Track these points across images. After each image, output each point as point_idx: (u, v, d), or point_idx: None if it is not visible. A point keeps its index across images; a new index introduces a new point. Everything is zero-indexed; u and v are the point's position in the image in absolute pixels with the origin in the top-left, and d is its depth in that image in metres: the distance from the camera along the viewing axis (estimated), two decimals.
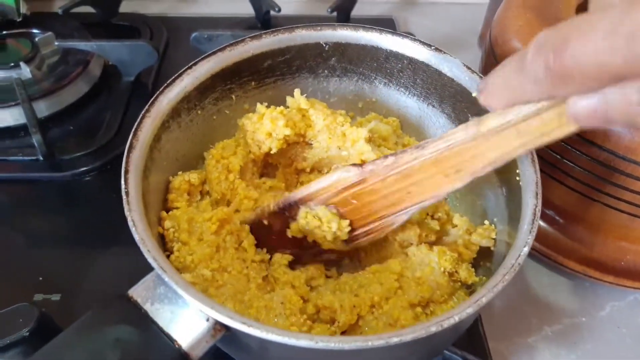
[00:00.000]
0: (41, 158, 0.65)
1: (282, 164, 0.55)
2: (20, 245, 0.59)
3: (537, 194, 0.40)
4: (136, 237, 0.37)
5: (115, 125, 0.70)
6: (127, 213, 0.38)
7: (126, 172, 0.40)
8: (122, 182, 0.39)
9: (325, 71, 0.57)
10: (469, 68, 0.49)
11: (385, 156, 0.43)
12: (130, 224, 0.37)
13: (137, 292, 0.37)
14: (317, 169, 0.55)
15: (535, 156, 0.43)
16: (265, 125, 0.50)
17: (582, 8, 0.56)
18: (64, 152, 0.66)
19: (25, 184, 0.65)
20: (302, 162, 0.54)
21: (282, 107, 0.51)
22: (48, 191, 0.65)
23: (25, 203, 0.64)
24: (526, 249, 0.38)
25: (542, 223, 0.57)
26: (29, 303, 0.46)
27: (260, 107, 0.51)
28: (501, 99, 0.30)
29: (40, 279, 0.55)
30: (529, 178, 0.42)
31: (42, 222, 0.62)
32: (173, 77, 0.47)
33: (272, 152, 0.51)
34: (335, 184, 0.44)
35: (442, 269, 0.44)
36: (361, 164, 0.45)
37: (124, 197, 0.38)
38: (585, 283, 0.58)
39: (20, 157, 0.66)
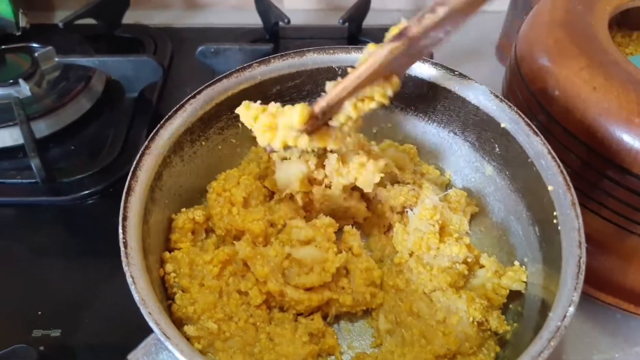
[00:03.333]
0: (40, 182, 0.62)
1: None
2: (18, 276, 0.56)
3: (580, 243, 0.37)
4: (136, 296, 0.34)
5: (119, 145, 0.67)
6: (125, 268, 0.35)
7: (124, 219, 0.37)
8: (120, 230, 0.36)
9: None
10: (497, 96, 0.46)
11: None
12: (129, 281, 0.34)
13: (136, 358, 0.34)
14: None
15: (575, 199, 0.40)
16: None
17: (614, 21, 0.53)
18: (64, 174, 0.64)
19: (24, 208, 0.63)
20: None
21: None
22: (48, 216, 0.62)
23: (23, 229, 0.61)
24: (572, 309, 0.35)
25: None
26: (28, 340, 0.46)
27: None
28: None
29: (40, 313, 0.52)
30: (570, 224, 0.39)
31: (41, 250, 0.59)
32: (174, 109, 0.44)
33: None
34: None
35: (470, 319, 0.41)
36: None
37: (122, 247, 0.36)
38: (617, 315, 0.55)
39: (19, 180, 0.63)
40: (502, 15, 0.82)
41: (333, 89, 0.40)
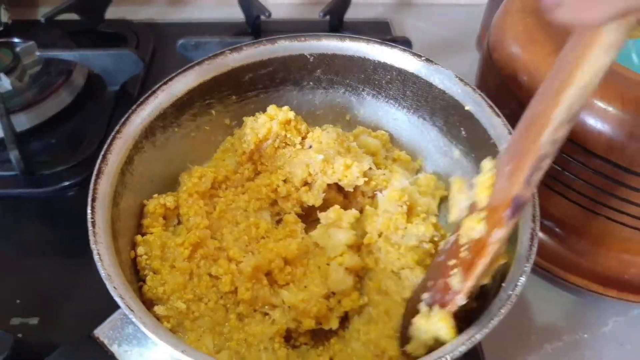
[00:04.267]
0: (19, 174, 0.62)
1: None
2: None
3: (534, 217, 0.38)
4: (102, 272, 0.34)
5: (99, 138, 0.67)
6: (92, 245, 0.36)
7: (93, 200, 0.38)
8: (89, 211, 0.37)
9: (311, 83, 0.55)
10: (461, 80, 0.47)
11: None
12: (95, 257, 0.35)
13: (103, 333, 0.35)
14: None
15: None
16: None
17: None
18: (45, 167, 0.64)
19: (4, 200, 0.63)
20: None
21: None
22: (29, 207, 0.62)
23: (4, 220, 0.62)
24: (523, 279, 0.36)
25: (542, 235, 0.56)
26: (7, 327, 0.46)
27: (272, 108, 0.50)
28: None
29: (18, 301, 0.53)
30: None
31: (20, 240, 0.60)
32: (146, 95, 0.45)
33: (267, 140, 0.49)
34: None
35: None
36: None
37: (90, 227, 0.36)
38: (586, 298, 0.56)
39: None
40: (482, 7, 0.83)
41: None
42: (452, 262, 0.36)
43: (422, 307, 0.38)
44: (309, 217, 0.51)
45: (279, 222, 0.50)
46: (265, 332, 0.40)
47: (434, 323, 0.36)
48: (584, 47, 0.27)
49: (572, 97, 0.28)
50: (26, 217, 0.62)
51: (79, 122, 0.71)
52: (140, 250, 0.43)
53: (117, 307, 0.36)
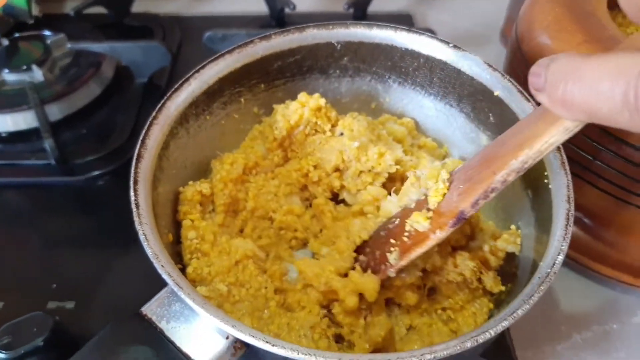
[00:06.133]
0: (53, 162, 0.64)
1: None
2: (34, 251, 0.59)
3: (569, 197, 0.38)
4: (149, 251, 0.35)
5: (128, 128, 0.69)
6: (137, 226, 0.36)
7: (135, 182, 0.39)
8: (132, 193, 0.38)
9: (337, 71, 0.55)
10: (490, 66, 0.47)
11: None
12: (141, 237, 0.36)
13: (151, 310, 0.35)
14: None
15: (565, 158, 0.41)
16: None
17: (610, 3, 0.54)
18: (76, 156, 0.66)
19: (37, 189, 0.64)
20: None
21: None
22: (61, 195, 0.64)
23: (38, 208, 0.63)
24: (561, 257, 0.36)
25: None
26: (43, 311, 0.46)
27: (303, 95, 0.51)
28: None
29: (54, 285, 0.54)
30: (560, 181, 0.40)
31: (55, 227, 0.61)
32: (180, 82, 0.46)
33: (298, 126, 0.51)
34: None
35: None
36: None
37: (134, 209, 0.37)
38: (616, 288, 0.56)
39: (33, 162, 0.65)
40: (506, 1, 0.83)
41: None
42: (393, 241, 0.43)
43: (357, 266, 0.45)
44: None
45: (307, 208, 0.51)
46: (307, 319, 0.41)
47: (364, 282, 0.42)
48: (549, 123, 0.33)
49: (528, 157, 0.34)
50: (59, 205, 0.63)
51: (108, 113, 0.73)
52: (192, 234, 0.44)
53: (149, 297, 0.37)
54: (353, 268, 0.44)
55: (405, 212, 0.44)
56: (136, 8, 0.86)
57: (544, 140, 0.33)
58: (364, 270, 0.44)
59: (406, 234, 0.42)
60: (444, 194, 0.40)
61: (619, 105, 0.25)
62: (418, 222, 0.41)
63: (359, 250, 0.46)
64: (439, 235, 0.39)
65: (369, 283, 0.42)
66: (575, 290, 0.57)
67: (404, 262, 0.42)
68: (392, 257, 0.42)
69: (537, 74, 0.29)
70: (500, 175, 0.36)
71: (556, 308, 0.55)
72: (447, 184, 0.40)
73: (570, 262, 0.56)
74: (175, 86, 0.46)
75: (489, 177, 0.36)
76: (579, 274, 0.57)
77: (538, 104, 0.44)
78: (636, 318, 0.55)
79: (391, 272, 0.42)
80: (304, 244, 0.49)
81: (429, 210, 0.41)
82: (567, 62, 0.28)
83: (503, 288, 0.44)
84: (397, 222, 0.44)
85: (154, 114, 0.44)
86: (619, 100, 0.25)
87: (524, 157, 0.34)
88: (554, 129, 0.32)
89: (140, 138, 0.42)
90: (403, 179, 0.50)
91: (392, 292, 0.44)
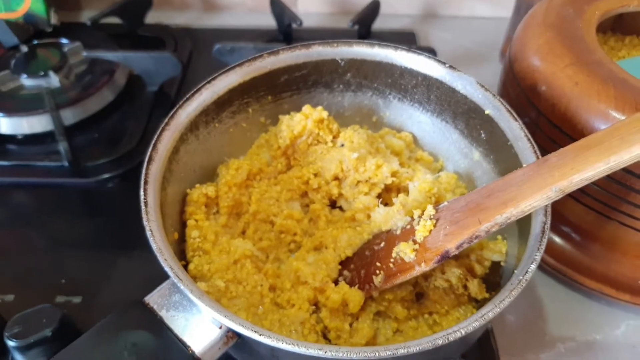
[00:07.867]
0: (66, 164, 0.67)
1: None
2: (45, 248, 0.61)
3: (546, 211, 0.41)
4: (154, 246, 0.38)
5: (138, 134, 0.72)
6: (145, 223, 0.39)
7: (145, 182, 0.41)
8: (141, 192, 0.41)
9: (341, 86, 0.58)
10: (482, 86, 0.50)
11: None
12: (148, 233, 0.39)
13: (153, 299, 0.38)
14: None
15: None
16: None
17: (601, 27, 0.56)
18: (88, 159, 0.68)
19: (50, 189, 0.67)
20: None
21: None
22: (72, 196, 0.67)
23: (50, 207, 0.66)
24: (533, 266, 0.38)
25: (558, 240, 0.57)
26: (52, 304, 0.48)
27: (307, 107, 0.54)
28: None
29: (63, 281, 0.57)
30: None
31: (65, 226, 0.64)
32: (192, 92, 0.49)
33: (301, 136, 0.53)
34: None
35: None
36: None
37: (143, 207, 0.40)
38: (601, 301, 0.58)
39: (47, 163, 0.68)
40: (506, 21, 0.85)
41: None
42: (379, 264, 0.45)
43: (341, 280, 0.47)
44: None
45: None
46: (298, 315, 0.43)
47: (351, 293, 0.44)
48: (536, 189, 0.37)
49: (512, 214, 0.38)
50: (70, 205, 0.66)
51: (120, 119, 0.75)
52: (195, 233, 0.47)
53: (157, 280, 0.40)
54: (337, 281, 0.47)
55: (391, 237, 0.46)
56: (149, 19, 0.89)
57: (528, 203, 0.37)
58: (350, 285, 0.46)
59: (392, 260, 0.44)
60: (431, 230, 0.43)
61: None
62: (405, 252, 0.43)
63: (342, 264, 0.48)
64: (423, 268, 0.42)
65: (356, 296, 0.44)
66: (561, 301, 0.58)
67: (387, 286, 0.44)
68: (377, 280, 0.44)
69: None
70: (485, 227, 0.39)
71: (541, 318, 0.57)
72: (434, 220, 0.43)
73: (556, 274, 0.58)
74: (187, 95, 0.49)
75: (475, 225, 0.39)
76: (565, 285, 0.59)
77: (524, 123, 0.47)
78: (619, 330, 0.56)
79: (375, 293, 0.45)
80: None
81: (415, 242, 0.43)
82: None
83: (487, 295, 0.46)
84: (382, 246, 0.46)
85: (166, 120, 0.47)
86: None
87: (508, 215, 0.38)
88: (539, 196, 0.36)
89: (152, 142, 0.45)
90: (399, 190, 0.53)
91: (382, 306, 0.46)
